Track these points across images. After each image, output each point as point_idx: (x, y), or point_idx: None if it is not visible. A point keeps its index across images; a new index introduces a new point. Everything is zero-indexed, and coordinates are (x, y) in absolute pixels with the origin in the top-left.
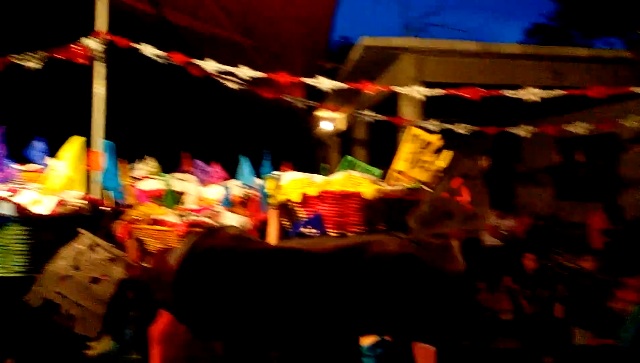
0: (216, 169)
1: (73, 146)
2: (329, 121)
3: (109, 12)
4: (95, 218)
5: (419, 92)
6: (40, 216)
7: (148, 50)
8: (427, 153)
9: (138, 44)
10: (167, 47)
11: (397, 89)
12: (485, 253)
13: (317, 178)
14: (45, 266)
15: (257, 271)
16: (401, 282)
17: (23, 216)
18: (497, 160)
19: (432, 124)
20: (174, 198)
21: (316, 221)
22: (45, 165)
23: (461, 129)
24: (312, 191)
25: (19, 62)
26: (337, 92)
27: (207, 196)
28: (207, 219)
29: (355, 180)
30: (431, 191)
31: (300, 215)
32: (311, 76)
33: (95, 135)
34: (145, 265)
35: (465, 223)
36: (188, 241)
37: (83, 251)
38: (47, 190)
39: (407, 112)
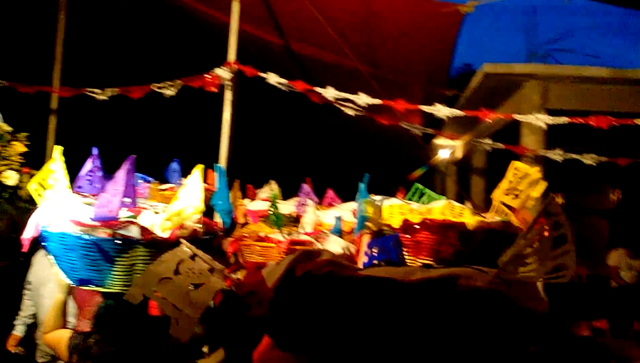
0: (330, 195)
1: (199, 174)
2: (446, 148)
3: (238, 43)
4: (208, 240)
5: (542, 120)
6: (162, 239)
7: (272, 78)
8: (524, 183)
9: (264, 73)
10: (290, 75)
11: (519, 117)
12: (611, 294)
13: (415, 205)
14: (148, 266)
15: (348, 297)
16: (487, 318)
17: (147, 239)
18: (628, 194)
19: (556, 154)
20: (279, 220)
21: (388, 243)
22: (180, 185)
23: (588, 159)
24: (415, 218)
25: (158, 90)
26: (456, 120)
27: (323, 220)
28: (308, 239)
29: (456, 210)
30: (528, 227)
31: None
32: (431, 103)
33: (223, 158)
34: (240, 278)
35: (556, 262)
36: (285, 262)
37: (184, 258)
38: (173, 215)
39: (530, 141)
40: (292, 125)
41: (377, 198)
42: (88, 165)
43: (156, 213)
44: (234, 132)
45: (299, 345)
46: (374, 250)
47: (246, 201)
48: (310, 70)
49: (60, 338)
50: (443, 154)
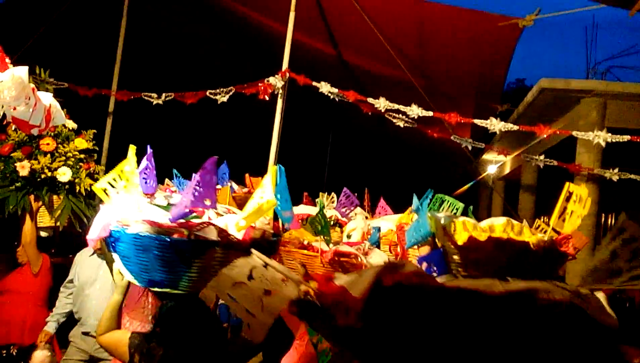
0: (382, 204)
1: (272, 174)
2: (495, 164)
3: (291, 51)
4: (273, 242)
5: (602, 138)
6: (238, 241)
7: (324, 87)
8: (572, 202)
9: (317, 82)
10: (341, 85)
11: (579, 134)
12: None
13: (471, 221)
14: (222, 269)
15: (438, 308)
16: (567, 332)
17: (224, 241)
18: None
19: (612, 174)
20: (325, 229)
21: (437, 258)
22: (228, 186)
23: None
24: (481, 236)
25: (212, 96)
26: (507, 135)
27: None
28: (353, 251)
29: (516, 228)
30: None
31: (454, 257)
32: (482, 117)
33: (271, 163)
34: (318, 289)
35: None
36: (371, 273)
37: (257, 265)
38: (250, 215)
39: (585, 159)
40: (337, 134)
41: (441, 214)
42: (143, 164)
43: (218, 214)
44: (282, 139)
45: (390, 354)
46: (423, 264)
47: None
48: (361, 80)
49: (120, 339)
50: (491, 170)
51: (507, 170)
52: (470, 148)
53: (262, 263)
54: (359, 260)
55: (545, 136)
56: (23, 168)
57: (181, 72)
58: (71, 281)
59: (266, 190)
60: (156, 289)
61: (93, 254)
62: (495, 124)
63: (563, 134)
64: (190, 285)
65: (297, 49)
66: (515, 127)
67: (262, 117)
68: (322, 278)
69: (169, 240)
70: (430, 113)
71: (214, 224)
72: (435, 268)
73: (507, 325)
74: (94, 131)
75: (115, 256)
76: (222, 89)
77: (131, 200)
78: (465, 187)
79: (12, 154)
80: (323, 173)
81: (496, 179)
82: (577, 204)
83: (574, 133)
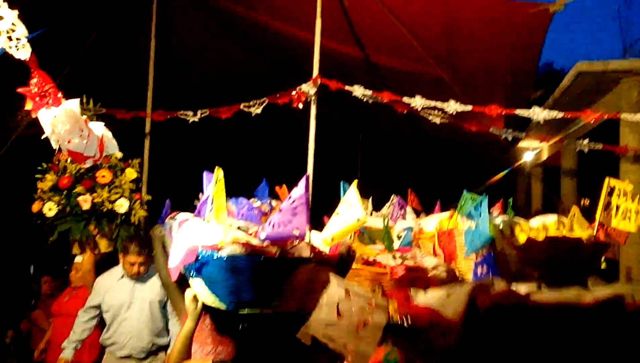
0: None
1: (356, 189)
2: (531, 151)
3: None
4: (353, 258)
5: None
6: (328, 256)
7: (358, 90)
8: (615, 196)
9: (349, 86)
10: (372, 87)
11: (627, 116)
12: None
13: (526, 222)
14: (312, 315)
15: (532, 325)
16: None
17: (316, 257)
18: None
19: None
20: (389, 241)
21: (490, 260)
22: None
23: None
24: (539, 236)
25: (246, 109)
26: (545, 122)
27: (425, 228)
28: (425, 265)
29: (567, 224)
30: None
31: (512, 259)
32: (517, 106)
33: (309, 171)
34: (405, 311)
35: None
36: (464, 292)
37: (342, 299)
38: (342, 233)
39: (630, 139)
40: (367, 136)
41: (498, 219)
42: (207, 190)
43: None
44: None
45: None
46: (482, 268)
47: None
48: (391, 80)
49: None
50: (528, 157)
51: (544, 156)
52: (510, 138)
53: (343, 293)
54: (429, 274)
55: (589, 120)
56: (85, 202)
57: (211, 88)
58: (94, 307)
59: (354, 206)
60: (245, 310)
61: (122, 278)
62: (538, 113)
63: (603, 117)
64: (280, 303)
65: (325, 55)
66: (560, 115)
67: (289, 126)
68: (402, 298)
69: (262, 258)
70: (469, 107)
71: (307, 242)
72: (488, 270)
73: (600, 336)
74: (139, 160)
75: (196, 281)
76: (255, 101)
77: (216, 224)
78: (500, 175)
79: (74, 190)
80: (355, 176)
81: (534, 167)
82: (621, 199)
83: (622, 115)
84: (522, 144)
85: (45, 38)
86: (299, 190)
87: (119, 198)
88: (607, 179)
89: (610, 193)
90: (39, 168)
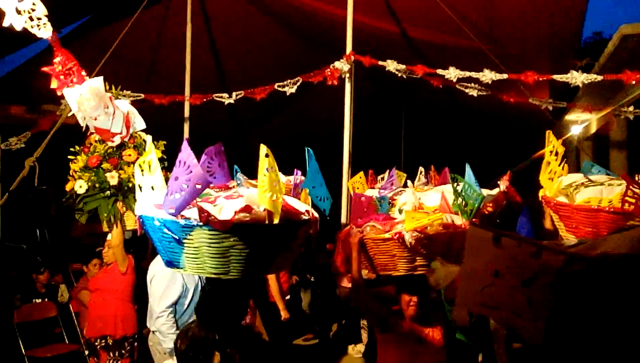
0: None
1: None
2: (580, 123)
3: (354, 35)
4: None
5: None
6: (221, 222)
7: (391, 65)
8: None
9: (382, 61)
10: (410, 62)
11: None
12: None
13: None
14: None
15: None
16: None
17: (204, 221)
18: None
19: None
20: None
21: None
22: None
23: None
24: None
25: (281, 89)
26: (590, 92)
27: (425, 203)
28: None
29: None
30: None
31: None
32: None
33: (346, 149)
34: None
35: None
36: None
37: (494, 255)
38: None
39: None
40: (410, 112)
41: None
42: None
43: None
44: (355, 124)
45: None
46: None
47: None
48: (428, 55)
49: None
50: (575, 131)
51: (593, 129)
52: (551, 108)
53: (492, 241)
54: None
55: (630, 81)
56: (113, 178)
57: (244, 70)
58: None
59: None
60: (173, 269)
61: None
62: (577, 77)
63: None
64: (190, 265)
65: (360, 31)
66: (600, 78)
67: (331, 106)
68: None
69: (160, 220)
70: (505, 75)
71: (198, 206)
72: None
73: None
74: (164, 142)
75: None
76: (289, 81)
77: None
78: (542, 151)
79: (102, 166)
80: (399, 152)
81: (582, 140)
82: None
83: None
84: (569, 117)
85: (85, 26)
86: (184, 153)
87: None
88: None
89: None
90: (72, 149)
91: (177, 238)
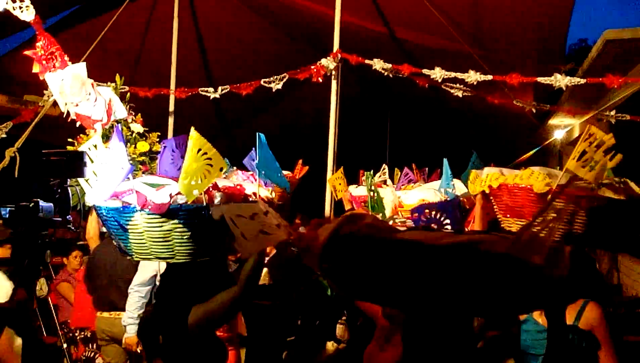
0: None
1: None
2: (563, 128)
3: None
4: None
5: None
6: (158, 206)
7: (377, 64)
8: (599, 152)
9: (369, 60)
10: (397, 62)
11: None
12: None
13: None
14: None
15: (385, 254)
16: (500, 279)
17: (143, 206)
18: None
19: None
20: (379, 206)
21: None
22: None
23: None
24: (494, 184)
25: (267, 85)
26: (575, 96)
27: (405, 201)
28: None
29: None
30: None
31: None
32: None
33: (331, 146)
34: (302, 231)
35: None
36: (334, 223)
37: (258, 212)
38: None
39: None
40: (396, 113)
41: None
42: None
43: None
44: (341, 122)
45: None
46: (414, 215)
47: (351, 188)
48: (416, 56)
49: None
50: (558, 135)
51: (576, 134)
52: (534, 111)
53: (264, 211)
54: None
55: (616, 86)
56: None
57: (232, 66)
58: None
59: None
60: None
61: None
62: (560, 80)
63: (635, 84)
64: (136, 251)
65: (348, 31)
66: (582, 81)
67: (318, 104)
68: (314, 224)
69: (105, 208)
70: (490, 77)
71: (137, 191)
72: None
73: (447, 271)
74: (158, 133)
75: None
76: (275, 77)
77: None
78: (529, 154)
79: None
80: (384, 152)
81: (565, 145)
82: (601, 153)
83: None
84: (553, 121)
85: (71, 17)
86: (114, 140)
87: None
88: (588, 126)
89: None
90: (69, 140)
91: (122, 224)
